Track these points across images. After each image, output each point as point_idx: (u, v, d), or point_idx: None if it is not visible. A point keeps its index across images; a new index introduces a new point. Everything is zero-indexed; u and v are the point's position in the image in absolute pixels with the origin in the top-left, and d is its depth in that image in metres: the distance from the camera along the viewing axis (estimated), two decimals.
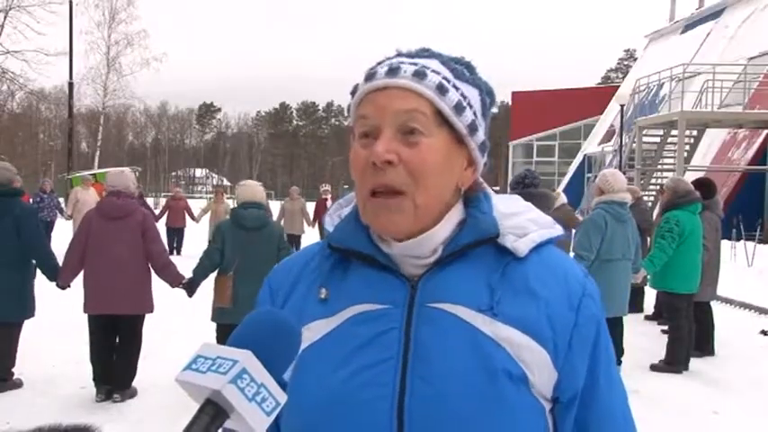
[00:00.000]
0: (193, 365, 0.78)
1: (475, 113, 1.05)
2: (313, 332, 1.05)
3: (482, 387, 0.97)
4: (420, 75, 1.02)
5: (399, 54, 1.07)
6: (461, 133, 1.04)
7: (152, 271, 5.70)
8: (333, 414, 1.00)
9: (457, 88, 1.03)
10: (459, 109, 1.02)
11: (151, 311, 5.72)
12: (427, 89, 1.01)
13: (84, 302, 5.57)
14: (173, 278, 5.71)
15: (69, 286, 5.77)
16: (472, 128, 1.04)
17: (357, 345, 1.01)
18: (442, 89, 1.02)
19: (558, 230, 1.10)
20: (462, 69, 1.06)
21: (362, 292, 1.04)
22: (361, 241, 1.06)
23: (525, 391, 0.99)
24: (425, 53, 1.07)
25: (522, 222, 1.07)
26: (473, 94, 1.05)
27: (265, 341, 0.81)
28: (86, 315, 5.61)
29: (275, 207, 16.67)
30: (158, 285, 5.86)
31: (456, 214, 1.06)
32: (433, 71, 1.03)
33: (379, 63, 1.06)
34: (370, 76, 1.04)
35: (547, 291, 1.03)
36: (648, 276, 7.17)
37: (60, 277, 5.70)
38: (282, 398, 0.78)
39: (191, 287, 5.70)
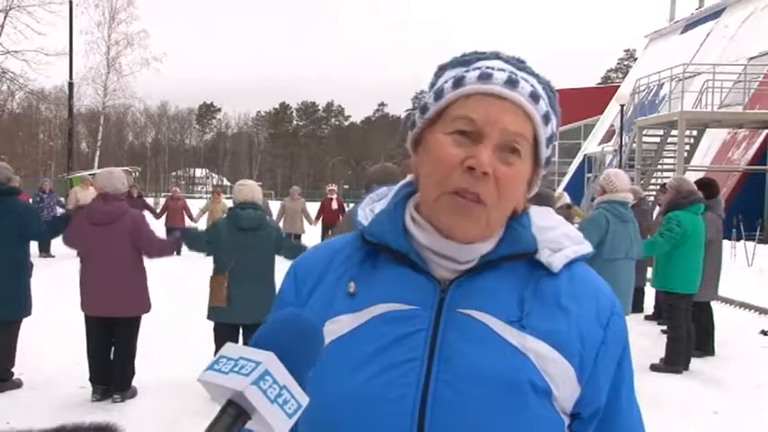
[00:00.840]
0: (216, 366, 0.78)
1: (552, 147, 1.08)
2: (339, 326, 1.04)
3: (505, 396, 0.97)
4: (535, 98, 1.02)
5: (499, 57, 1.06)
6: (540, 164, 1.07)
7: (146, 271, 5.69)
8: (353, 411, 0.99)
9: (553, 119, 1.06)
10: (549, 141, 1.06)
11: (148, 311, 5.70)
12: (538, 115, 1.02)
13: (80, 301, 5.59)
14: (169, 250, 5.83)
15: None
16: (548, 161, 1.08)
17: (383, 343, 1.01)
18: (546, 119, 1.04)
19: (588, 248, 1.11)
20: (555, 98, 1.08)
21: (392, 290, 1.04)
22: (397, 238, 1.05)
23: (548, 404, 0.99)
24: (523, 66, 1.06)
25: (556, 237, 1.08)
26: (555, 128, 1.07)
27: (289, 343, 0.80)
28: (83, 314, 5.62)
29: (275, 207, 16.75)
30: (158, 286, 5.87)
31: (501, 228, 1.07)
32: (543, 99, 1.04)
33: (479, 58, 1.05)
34: (486, 76, 1.01)
35: (577, 307, 1.04)
36: (650, 277, 7.18)
37: (66, 237, 5.83)
38: (305, 400, 0.78)
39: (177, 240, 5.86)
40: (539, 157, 1.06)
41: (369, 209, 1.13)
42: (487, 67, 1.02)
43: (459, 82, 1.02)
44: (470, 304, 1.01)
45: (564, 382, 1.00)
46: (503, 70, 1.02)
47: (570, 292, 1.05)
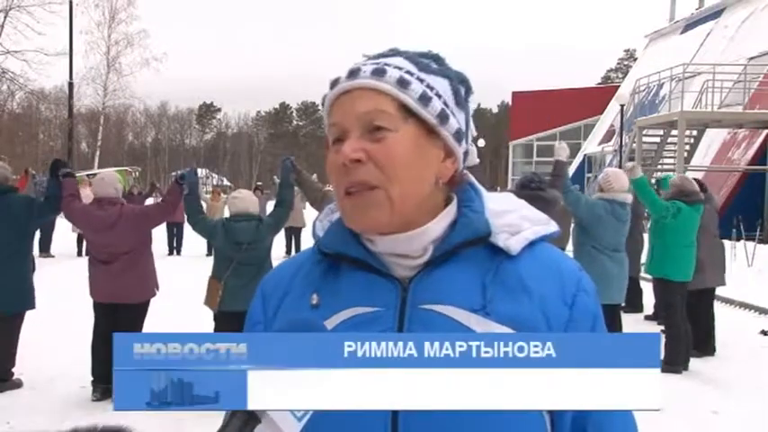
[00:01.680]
0: None
1: (445, 103, 1.04)
2: None
3: None
4: (379, 72, 1.02)
5: (366, 57, 1.08)
6: (431, 123, 1.03)
7: (152, 257, 5.88)
8: (327, 415, 0.97)
9: (421, 80, 1.03)
10: (424, 100, 1.02)
11: (155, 295, 5.81)
12: (387, 85, 1.01)
13: (89, 290, 5.72)
14: (176, 195, 5.88)
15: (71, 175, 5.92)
16: (442, 116, 1.03)
17: None
18: (402, 83, 1.02)
19: (552, 227, 1.09)
20: (428, 62, 1.06)
21: (354, 295, 1.04)
22: (352, 245, 1.06)
23: None
24: (391, 52, 1.07)
25: (514, 220, 1.07)
26: (442, 84, 1.05)
27: None
28: (92, 301, 5.74)
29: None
30: (161, 287, 5.89)
31: (449, 214, 1.06)
32: (395, 67, 1.03)
33: (345, 71, 1.07)
34: (334, 83, 1.05)
35: (540, 287, 1.03)
36: (645, 264, 7.32)
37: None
38: None
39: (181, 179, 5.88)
40: (424, 120, 1.02)
41: (327, 220, 1.13)
42: (336, 76, 1.06)
43: (323, 103, 1.08)
44: (432, 299, 1.01)
45: None
46: (349, 68, 1.05)
47: (532, 273, 1.04)
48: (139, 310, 5.70)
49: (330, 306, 1.05)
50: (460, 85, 1.07)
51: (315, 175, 6.33)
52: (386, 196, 1.00)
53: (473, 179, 1.12)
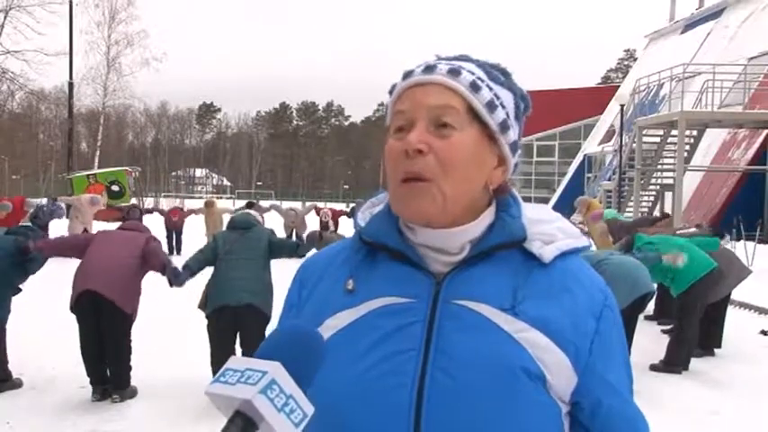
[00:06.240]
0: (222, 378, 0.79)
1: (507, 114, 1.09)
2: (338, 321, 1.07)
3: (500, 382, 0.99)
4: (454, 72, 1.06)
5: (438, 58, 1.12)
6: (493, 130, 1.07)
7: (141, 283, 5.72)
8: (353, 401, 1.02)
9: (490, 88, 1.07)
10: (491, 107, 1.06)
11: (131, 314, 5.56)
12: (460, 85, 1.05)
13: (71, 297, 5.52)
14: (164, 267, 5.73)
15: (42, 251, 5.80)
16: (504, 126, 1.08)
17: (380, 336, 1.04)
18: (474, 87, 1.06)
19: (583, 241, 1.13)
20: (497, 73, 1.11)
21: (389, 285, 1.07)
22: (392, 237, 1.09)
23: (542, 390, 1.01)
24: (463, 57, 1.12)
25: (550, 230, 1.10)
26: (507, 97, 1.09)
27: (293, 353, 0.82)
28: (75, 316, 5.54)
29: (274, 217, 16.95)
30: (158, 287, 5.87)
31: (488, 216, 1.09)
32: (468, 71, 1.07)
33: (418, 65, 1.11)
34: (408, 74, 1.09)
35: (569, 297, 1.06)
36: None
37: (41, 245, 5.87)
38: (310, 409, 0.79)
39: (176, 275, 5.68)
40: (487, 125, 1.06)
41: (368, 212, 1.17)
42: (410, 69, 1.10)
43: (392, 91, 1.11)
44: (465, 294, 1.04)
45: (558, 370, 1.02)
46: (425, 63, 1.09)
47: (563, 283, 1.07)
48: (123, 324, 5.51)
49: (364, 293, 1.08)
50: (521, 100, 1.12)
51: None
52: (438, 190, 1.03)
53: (514, 189, 1.16)
